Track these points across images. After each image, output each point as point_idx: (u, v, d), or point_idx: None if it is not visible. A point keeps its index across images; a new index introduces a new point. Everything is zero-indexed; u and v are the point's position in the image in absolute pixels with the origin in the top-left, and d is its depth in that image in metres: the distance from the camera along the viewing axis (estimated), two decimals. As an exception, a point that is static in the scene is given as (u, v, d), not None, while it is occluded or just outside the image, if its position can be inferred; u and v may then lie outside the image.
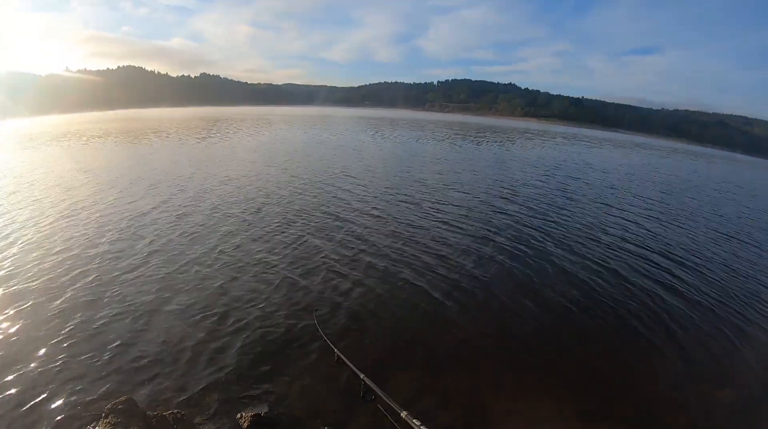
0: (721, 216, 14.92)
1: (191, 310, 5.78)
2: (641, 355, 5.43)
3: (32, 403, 4.00)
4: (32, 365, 4.54)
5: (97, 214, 10.00)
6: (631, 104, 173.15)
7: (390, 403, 2.36)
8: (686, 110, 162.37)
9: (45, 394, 4.10)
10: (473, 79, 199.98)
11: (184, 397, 4.18)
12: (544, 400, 4.43)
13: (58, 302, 5.85)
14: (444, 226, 10.21)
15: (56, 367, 4.51)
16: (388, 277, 7.15)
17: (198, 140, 28.30)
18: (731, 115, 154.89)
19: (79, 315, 5.54)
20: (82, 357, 4.69)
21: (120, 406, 3.51)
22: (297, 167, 17.94)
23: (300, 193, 12.97)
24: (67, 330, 5.20)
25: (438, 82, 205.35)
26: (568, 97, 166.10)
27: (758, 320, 6.70)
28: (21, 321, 5.39)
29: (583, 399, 4.53)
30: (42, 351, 4.78)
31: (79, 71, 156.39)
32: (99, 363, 4.61)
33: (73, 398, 4.06)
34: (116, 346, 4.92)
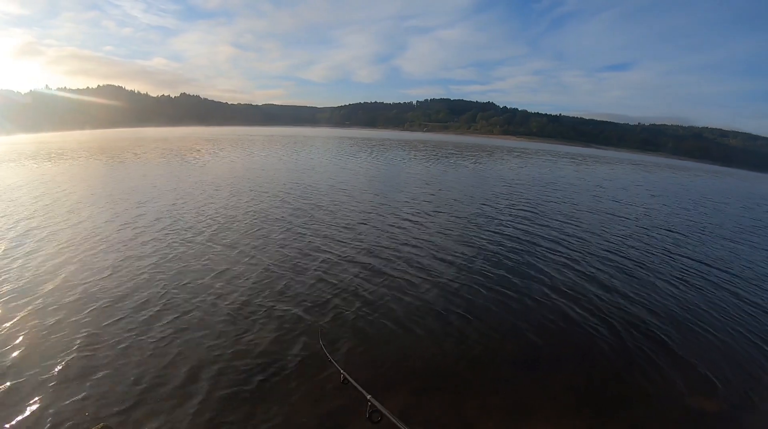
0: (719, 225, 15.07)
1: (186, 329, 5.36)
2: (636, 369, 5.16)
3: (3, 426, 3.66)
4: (6, 384, 4.19)
5: (95, 246, 8.66)
6: (609, 120, 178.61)
7: (396, 422, 2.20)
8: (663, 124, 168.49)
9: (17, 417, 3.76)
10: (452, 98, 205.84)
11: (176, 422, 3.76)
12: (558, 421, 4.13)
13: (51, 322, 5.39)
14: (462, 245, 9.72)
15: (31, 389, 4.14)
16: (402, 297, 6.72)
17: (204, 160, 26.46)
18: (707, 127, 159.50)
19: (61, 336, 5.06)
20: (60, 380, 4.28)
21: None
22: (317, 183, 17.86)
23: (318, 207, 13.04)
24: (47, 351, 4.75)
25: (417, 101, 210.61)
26: (546, 114, 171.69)
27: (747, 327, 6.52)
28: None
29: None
30: (18, 371, 4.39)
31: (59, 89, 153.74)
32: (75, 387, 4.20)
33: (47, 423, 3.71)
34: (96, 368, 4.50)
